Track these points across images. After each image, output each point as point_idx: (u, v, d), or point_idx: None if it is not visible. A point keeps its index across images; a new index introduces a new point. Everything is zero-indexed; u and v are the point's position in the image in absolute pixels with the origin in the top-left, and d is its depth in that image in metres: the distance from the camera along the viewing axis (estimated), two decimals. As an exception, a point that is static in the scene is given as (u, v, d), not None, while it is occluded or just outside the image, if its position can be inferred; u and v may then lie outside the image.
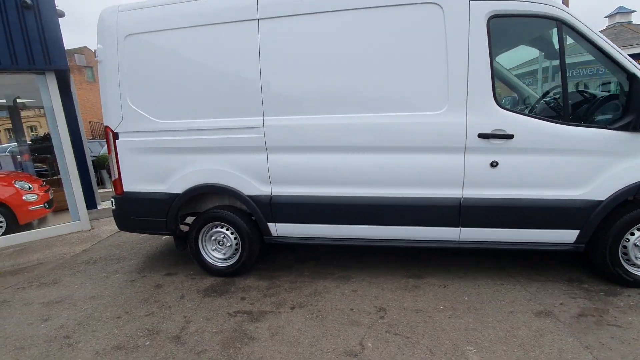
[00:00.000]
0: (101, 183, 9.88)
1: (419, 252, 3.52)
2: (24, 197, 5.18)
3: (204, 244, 3.35)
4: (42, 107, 5.09)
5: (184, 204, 3.26)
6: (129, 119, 3.20)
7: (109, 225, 5.61)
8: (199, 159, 3.13)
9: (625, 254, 2.66)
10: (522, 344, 2.12)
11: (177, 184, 3.20)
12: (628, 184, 2.51)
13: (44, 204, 5.46)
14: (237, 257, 3.27)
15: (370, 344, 2.20)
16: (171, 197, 3.23)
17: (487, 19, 2.54)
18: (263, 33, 2.85)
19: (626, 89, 2.50)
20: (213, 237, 3.32)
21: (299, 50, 2.83)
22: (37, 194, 5.38)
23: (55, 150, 5.14)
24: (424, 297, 2.73)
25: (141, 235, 4.90)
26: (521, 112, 2.66)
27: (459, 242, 2.87)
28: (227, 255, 3.33)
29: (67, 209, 6.39)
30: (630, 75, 2.45)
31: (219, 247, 3.34)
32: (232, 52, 2.94)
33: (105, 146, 13.06)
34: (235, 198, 3.16)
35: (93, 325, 2.65)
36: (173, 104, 3.13)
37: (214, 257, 3.35)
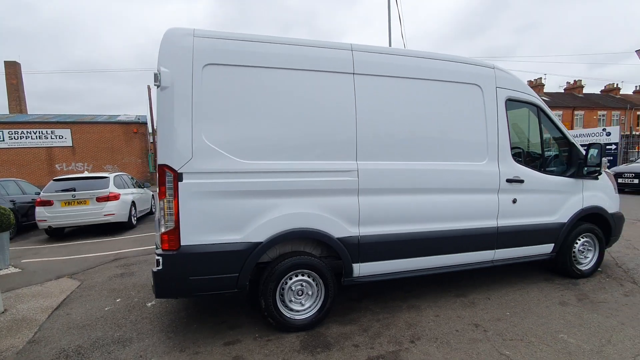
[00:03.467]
0: None
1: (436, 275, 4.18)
2: None
3: (282, 297, 3.00)
4: None
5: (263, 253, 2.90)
6: (202, 157, 2.71)
7: (29, 303, 3.88)
8: (286, 203, 2.93)
9: (574, 256, 4.11)
10: (579, 321, 3.02)
11: (259, 231, 2.85)
12: (575, 211, 4.00)
13: None
14: (318, 305, 3.09)
15: (508, 352, 2.64)
16: (250, 247, 2.83)
17: (505, 100, 3.69)
18: (358, 86, 3.12)
19: (568, 152, 4.06)
20: (293, 288, 3.03)
21: (385, 106, 3.23)
22: None
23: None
24: (489, 310, 3.36)
25: (107, 308, 3.69)
26: (526, 165, 3.83)
27: (493, 261, 3.73)
28: (306, 306, 3.09)
29: None
30: (571, 144, 4.03)
31: (296, 298, 3.07)
32: (328, 99, 3.05)
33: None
34: (323, 242, 3.07)
35: None
36: (260, 143, 2.88)
37: (293, 310, 3.04)
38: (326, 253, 3.27)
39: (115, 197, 7.84)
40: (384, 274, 3.31)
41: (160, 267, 2.67)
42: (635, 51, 14.46)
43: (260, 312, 2.98)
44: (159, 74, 2.63)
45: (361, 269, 3.20)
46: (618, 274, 4.26)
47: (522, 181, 3.70)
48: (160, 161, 2.67)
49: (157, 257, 2.68)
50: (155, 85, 2.66)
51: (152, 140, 24.01)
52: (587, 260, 4.20)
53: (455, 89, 3.48)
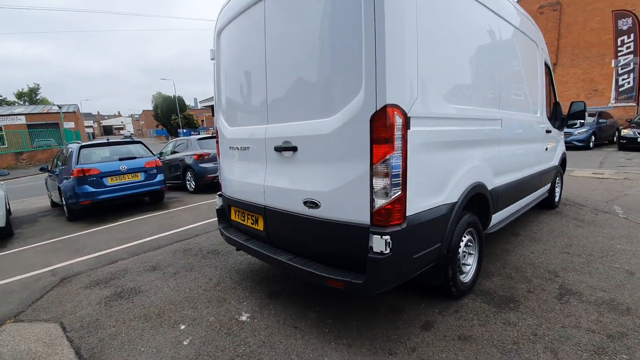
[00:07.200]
0: None
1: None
2: None
3: (459, 261, 2.68)
4: None
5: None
6: (424, 97, 2.02)
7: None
8: (471, 155, 2.59)
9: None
10: (608, 235, 3.98)
11: (454, 190, 2.43)
12: (559, 156, 5.11)
13: None
14: (476, 263, 2.93)
15: (617, 265, 3.24)
16: (449, 210, 2.39)
17: (543, 59, 4.24)
18: (499, 29, 2.94)
19: (556, 108, 5.07)
20: (465, 250, 2.75)
21: (508, 52, 3.21)
22: None
23: None
24: (553, 242, 3.96)
25: (186, 342, 2.47)
26: (548, 120, 4.56)
27: (534, 200, 4.39)
28: (468, 267, 2.87)
29: None
30: (557, 102, 5.04)
31: (464, 259, 2.80)
32: (493, 41, 2.82)
33: None
34: (479, 194, 2.87)
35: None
36: (459, 86, 2.41)
37: (463, 272, 2.78)
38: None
39: (-21, 190, 4.83)
40: (499, 222, 3.41)
41: (388, 251, 1.92)
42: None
43: (444, 283, 2.58)
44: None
45: (493, 219, 3.20)
46: (567, 202, 5.76)
47: (550, 131, 4.43)
48: (389, 100, 1.83)
49: (383, 238, 1.91)
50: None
51: None
52: (557, 194, 5.49)
53: (528, 43, 3.74)
